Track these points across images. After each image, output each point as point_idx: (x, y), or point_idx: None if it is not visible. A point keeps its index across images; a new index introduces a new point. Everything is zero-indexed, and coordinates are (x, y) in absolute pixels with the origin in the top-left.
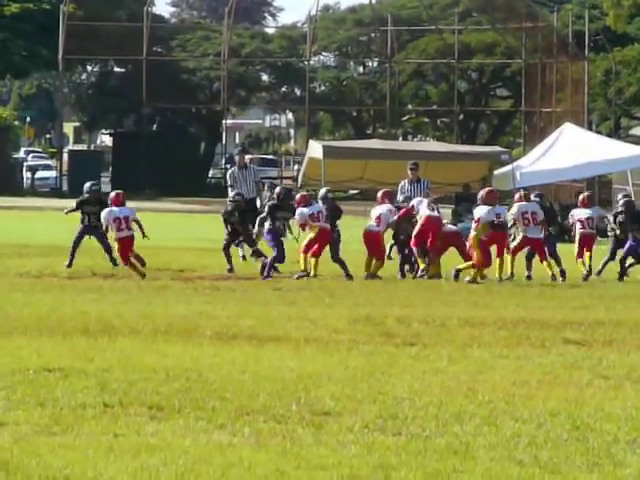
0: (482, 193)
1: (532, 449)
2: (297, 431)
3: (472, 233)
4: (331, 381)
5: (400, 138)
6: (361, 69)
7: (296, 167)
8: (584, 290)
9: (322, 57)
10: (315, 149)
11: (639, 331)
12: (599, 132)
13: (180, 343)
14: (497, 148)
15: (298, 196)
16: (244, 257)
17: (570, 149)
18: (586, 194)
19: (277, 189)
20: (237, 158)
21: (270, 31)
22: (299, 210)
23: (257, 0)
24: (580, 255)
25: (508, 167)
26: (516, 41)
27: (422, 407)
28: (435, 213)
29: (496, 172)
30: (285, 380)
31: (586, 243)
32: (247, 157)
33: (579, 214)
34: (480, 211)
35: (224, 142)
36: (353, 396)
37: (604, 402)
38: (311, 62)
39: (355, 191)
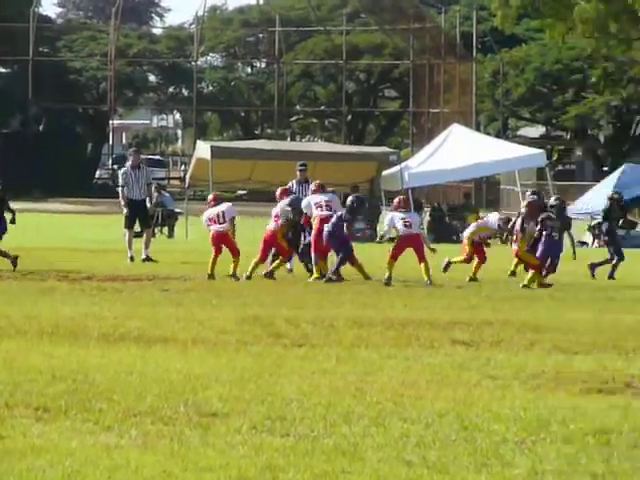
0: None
1: (420, 449)
2: (185, 433)
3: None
4: (219, 382)
5: (288, 138)
6: (249, 70)
7: (183, 168)
8: (471, 290)
9: (210, 58)
10: (203, 150)
11: (526, 331)
12: (487, 133)
13: (67, 344)
14: (385, 149)
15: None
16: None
17: (458, 150)
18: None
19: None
20: (131, 158)
21: (157, 32)
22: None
23: (144, 0)
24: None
25: (396, 168)
26: (404, 42)
27: (310, 408)
28: (325, 212)
29: (384, 173)
30: (172, 381)
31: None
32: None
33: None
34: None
35: (111, 142)
36: (241, 397)
37: (492, 402)
38: (199, 63)
39: (243, 192)
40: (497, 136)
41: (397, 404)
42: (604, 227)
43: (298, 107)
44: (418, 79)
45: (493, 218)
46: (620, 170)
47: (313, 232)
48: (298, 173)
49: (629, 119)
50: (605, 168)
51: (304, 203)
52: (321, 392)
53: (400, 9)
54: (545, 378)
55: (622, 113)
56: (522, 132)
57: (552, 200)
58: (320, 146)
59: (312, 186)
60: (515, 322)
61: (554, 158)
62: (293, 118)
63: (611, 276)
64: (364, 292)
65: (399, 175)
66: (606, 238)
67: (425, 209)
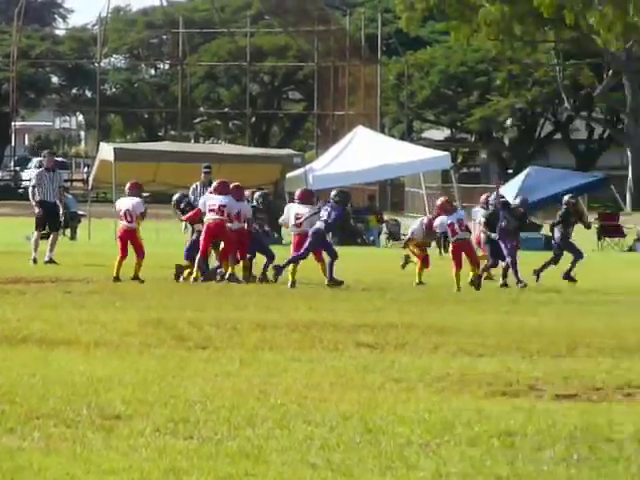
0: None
1: (325, 452)
2: (87, 435)
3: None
4: (122, 385)
5: (192, 140)
6: (153, 71)
7: (86, 170)
8: (376, 293)
9: (113, 59)
10: (106, 152)
11: (431, 334)
12: (392, 135)
13: None
14: (290, 151)
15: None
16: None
17: (363, 152)
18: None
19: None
20: (46, 160)
21: (60, 33)
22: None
23: (47, 1)
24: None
25: (301, 170)
26: (308, 44)
27: (214, 410)
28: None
29: (289, 175)
30: (75, 384)
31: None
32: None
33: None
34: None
35: (13, 144)
36: (144, 400)
37: (397, 405)
38: (102, 64)
39: (146, 194)
40: (402, 138)
41: (301, 406)
42: (557, 231)
43: (202, 109)
44: (323, 81)
45: (415, 226)
46: (525, 173)
47: (202, 235)
48: (202, 175)
49: (534, 121)
50: (510, 171)
51: (200, 201)
52: (225, 395)
53: (304, 11)
54: (450, 381)
55: (527, 116)
56: (427, 134)
57: (517, 201)
58: (224, 148)
59: (215, 183)
60: (420, 325)
61: (459, 161)
62: (197, 120)
63: (568, 277)
64: (268, 295)
65: (303, 177)
66: (559, 242)
67: None
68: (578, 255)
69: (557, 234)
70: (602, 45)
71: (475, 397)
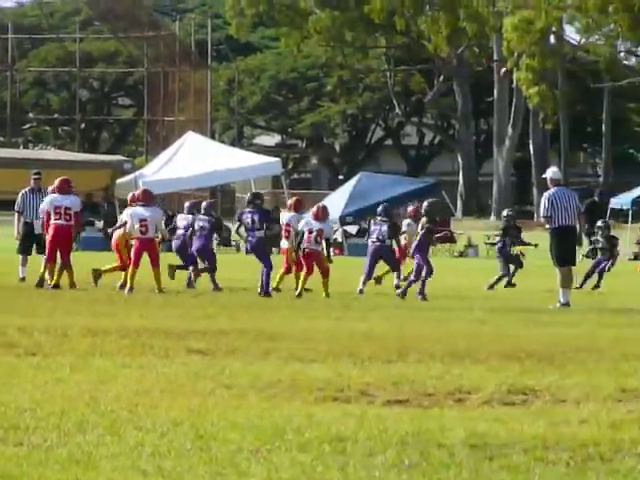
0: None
1: (155, 459)
2: None
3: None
4: None
5: (21, 147)
6: None
7: None
8: (207, 299)
9: None
10: None
11: (262, 340)
12: (222, 141)
13: None
14: (119, 157)
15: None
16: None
17: (193, 158)
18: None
19: None
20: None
21: None
22: None
23: None
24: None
25: (131, 176)
26: (138, 50)
27: (44, 417)
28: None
29: (119, 181)
30: None
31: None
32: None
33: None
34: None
35: None
36: None
37: (227, 411)
38: None
39: None
40: (232, 144)
41: (132, 413)
42: (499, 244)
43: (31, 115)
44: (153, 87)
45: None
46: (356, 178)
47: (48, 238)
48: (32, 181)
49: (364, 127)
50: (341, 177)
51: (44, 202)
52: (55, 401)
53: (134, 17)
54: (281, 387)
55: (357, 121)
56: (258, 140)
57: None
58: (53, 154)
59: (56, 182)
60: (251, 331)
61: (290, 166)
62: (26, 126)
63: (510, 283)
64: (99, 300)
65: (133, 183)
66: (500, 255)
67: None
68: (519, 264)
69: (499, 246)
70: (433, 51)
71: (306, 403)
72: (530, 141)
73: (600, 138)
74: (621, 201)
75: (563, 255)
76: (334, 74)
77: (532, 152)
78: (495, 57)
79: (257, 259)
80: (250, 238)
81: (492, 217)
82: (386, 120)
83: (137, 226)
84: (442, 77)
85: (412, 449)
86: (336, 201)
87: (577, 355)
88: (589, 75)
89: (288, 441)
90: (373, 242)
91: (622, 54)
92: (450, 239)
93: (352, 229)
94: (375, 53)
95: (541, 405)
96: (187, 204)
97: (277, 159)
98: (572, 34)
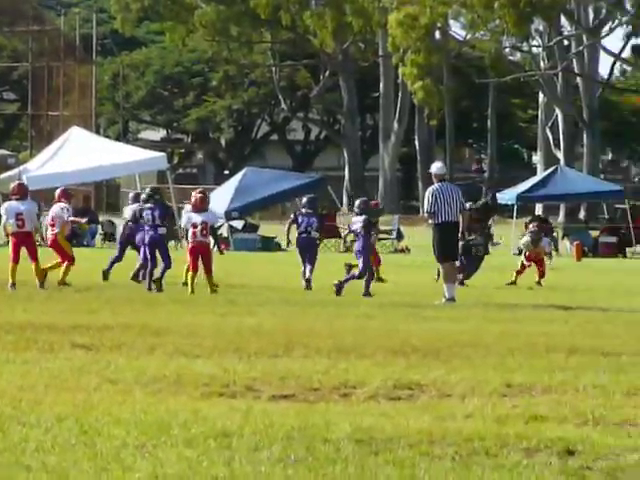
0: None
1: (40, 454)
2: None
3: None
4: None
5: None
6: None
7: None
8: (92, 294)
9: None
10: None
11: (147, 335)
12: (107, 136)
13: None
14: (3, 151)
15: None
16: None
17: (78, 153)
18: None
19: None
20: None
21: None
22: None
23: None
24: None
25: (15, 170)
26: (23, 44)
27: None
28: None
29: (2, 175)
30: None
31: None
32: None
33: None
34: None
35: None
36: None
37: (112, 406)
38: None
39: None
40: (117, 139)
41: (16, 408)
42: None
43: None
44: (37, 82)
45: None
46: (242, 173)
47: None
48: None
49: (250, 122)
50: (226, 172)
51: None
52: None
53: (18, 11)
54: (166, 382)
55: (243, 116)
56: (143, 135)
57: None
58: None
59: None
60: (136, 325)
61: (175, 161)
62: None
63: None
64: None
65: (17, 177)
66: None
67: None
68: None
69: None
70: (318, 46)
71: (192, 398)
72: (416, 136)
73: (485, 134)
74: (506, 196)
75: (445, 251)
76: (220, 69)
77: (418, 147)
78: (380, 52)
79: (158, 255)
80: (152, 233)
81: None
82: (272, 115)
83: (12, 220)
84: (328, 72)
85: (298, 444)
86: (222, 196)
87: (463, 350)
88: (474, 71)
89: (174, 436)
90: (301, 234)
91: (507, 50)
92: (337, 234)
93: (238, 224)
94: (261, 48)
95: (427, 400)
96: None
97: (162, 154)
98: (458, 30)
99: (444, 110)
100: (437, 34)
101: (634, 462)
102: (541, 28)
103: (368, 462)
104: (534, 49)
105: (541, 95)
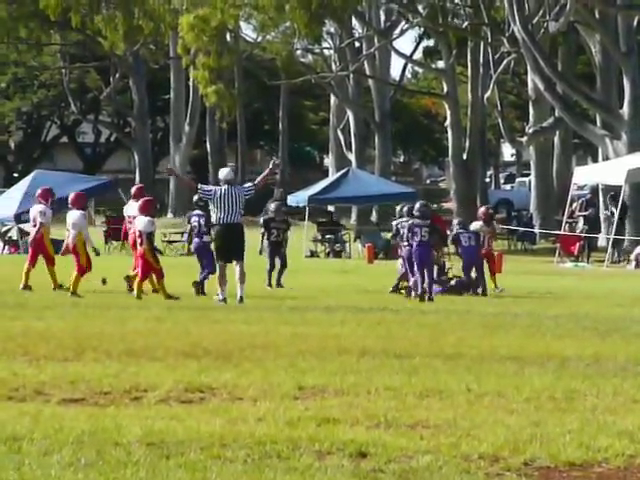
0: None
1: None
2: None
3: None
4: None
5: None
6: None
7: None
8: None
9: None
10: None
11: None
12: None
13: None
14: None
15: None
16: None
17: None
18: None
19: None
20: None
21: None
22: None
23: None
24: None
25: None
26: None
27: None
28: None
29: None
30: None
31: None
32: None
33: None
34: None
35: None
36: None
37: None
38: None
39: None
40: None
41: None
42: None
43: None
44: None
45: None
46: (31, 176)
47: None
48: None
49: (40, 125)
50: (16, 174)
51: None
52: None
53: None
54: None
55: (33, 119)
56: None
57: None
58: None
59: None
60: None
61: None
62: None
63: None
64: None
65: None
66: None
67: None
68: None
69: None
70: (109, 48)
71: None
72: (207, 138)
73: (277, 136)
74: (297, 199)
75: (227, 251)
76: (8, 71)
77: (209, 149)
78: (171, 54)
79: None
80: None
81: (169, 215)
82: (62, 117)
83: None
84: (118, 74)
85: (88, 448)
86: (11, 199)
87: (254, 352)
88: (266, 73)
89: None
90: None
91: (299, 52)
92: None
93: (28, 227)
94: (50, 50)
95: (218, 403)
96: None
97: None
98: (250, 32)
99: (236, 112)
100: (228, 37)
101: (426, 464)
102: (333, 30)
103: (159, 466)
104: (326, 51)
105: (333, 97)
